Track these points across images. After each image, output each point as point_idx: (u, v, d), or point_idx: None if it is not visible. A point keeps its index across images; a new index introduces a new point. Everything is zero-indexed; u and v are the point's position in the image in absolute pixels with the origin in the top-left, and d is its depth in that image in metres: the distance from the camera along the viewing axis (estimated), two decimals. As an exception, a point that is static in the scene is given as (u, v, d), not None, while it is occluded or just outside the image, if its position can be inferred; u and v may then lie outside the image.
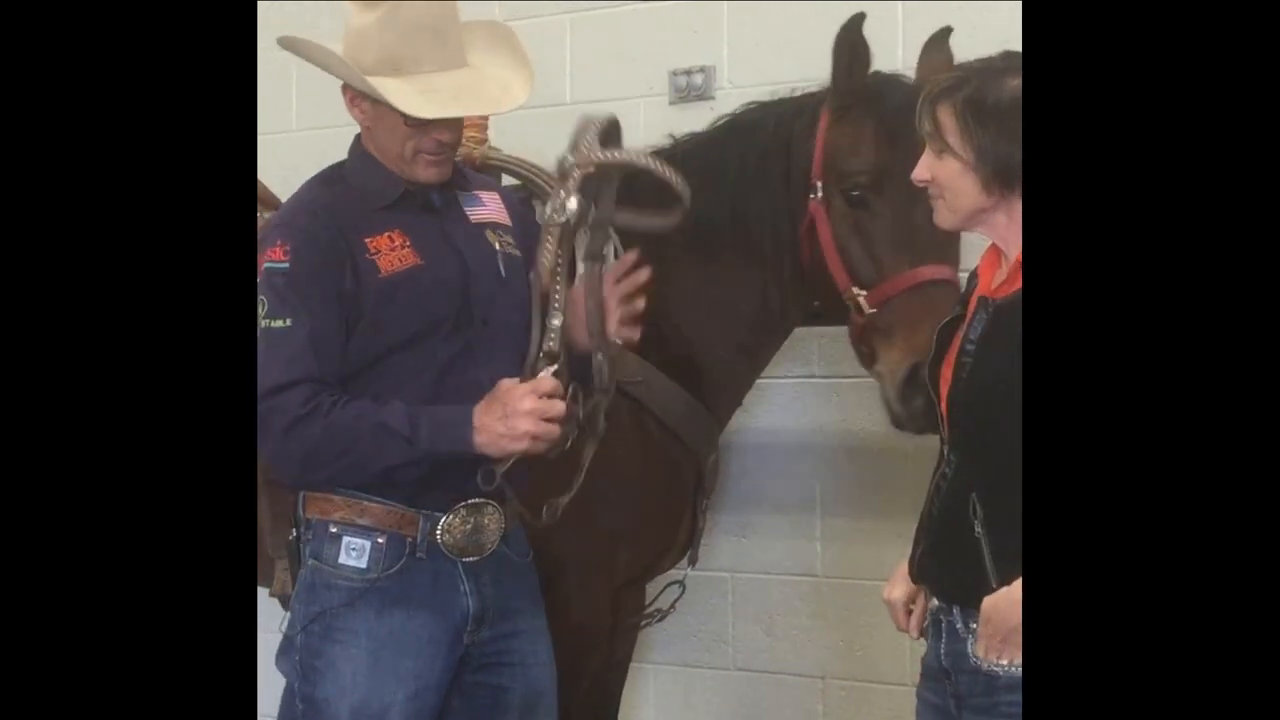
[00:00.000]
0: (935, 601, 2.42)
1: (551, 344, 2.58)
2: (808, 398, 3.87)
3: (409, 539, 2.64)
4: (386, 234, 2.66)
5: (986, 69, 2.38)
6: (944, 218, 2.41)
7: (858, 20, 3.07)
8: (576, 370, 2.61)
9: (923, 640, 2.49)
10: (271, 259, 2.60)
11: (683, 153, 3.23)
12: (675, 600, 3.37)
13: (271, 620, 2.80)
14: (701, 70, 3.96)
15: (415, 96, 2.60)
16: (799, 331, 3.56)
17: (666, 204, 2.63)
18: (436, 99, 2.62)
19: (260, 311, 2.57)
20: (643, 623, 3.42)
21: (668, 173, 2.59)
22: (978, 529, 2.30)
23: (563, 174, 2.53)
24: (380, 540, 2.63)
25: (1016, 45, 2.98)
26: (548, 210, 2.53)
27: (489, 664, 2.71)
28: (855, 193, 3.01)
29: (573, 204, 2.50)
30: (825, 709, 3.90)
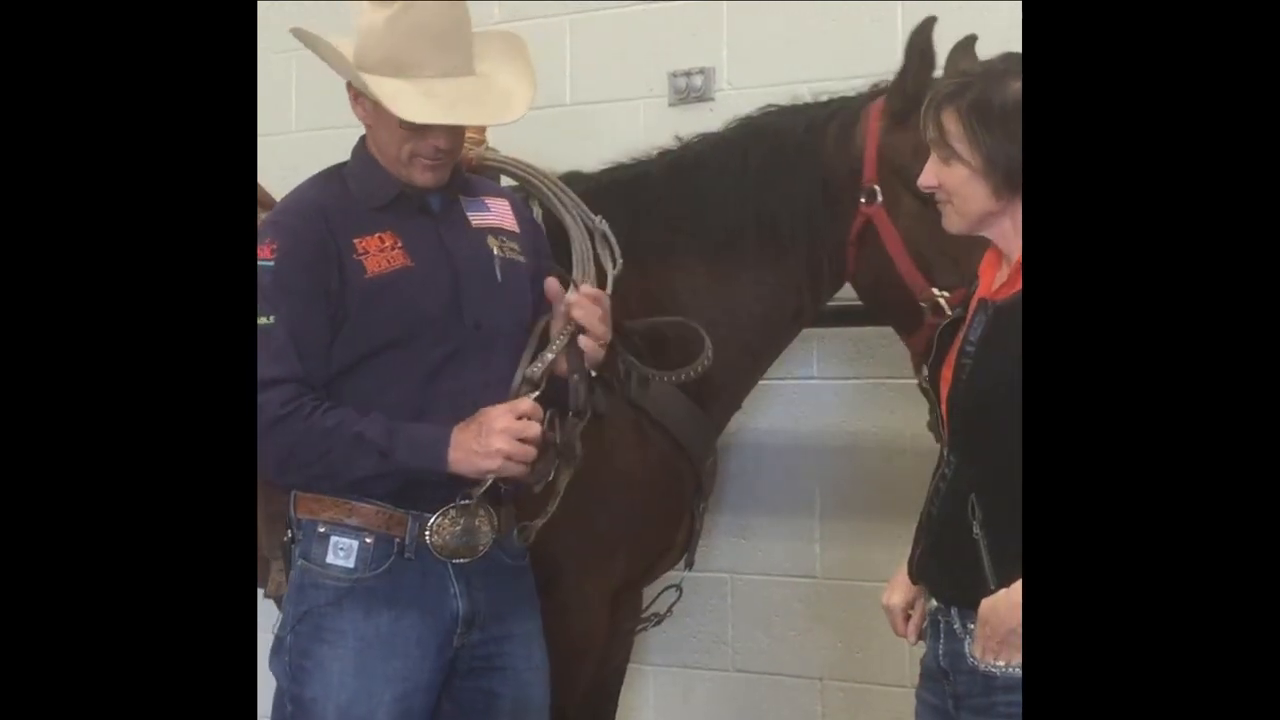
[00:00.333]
0: (933, 602, 2.43)
1: (535, 372, 2.60)
2: (807, 399, 3.88)
3: (397, 539, 2.63)
4: (377, 235, 2.66)
5: (989, 73, 2.38)
6: (953, 222, 2.41)
7: (929, 24, 3.04)
8: (556, 396, 2.63)
9: (921, 644, 2.49)
10: (259, 257, 2.60)
11: (695, 154, 3.23)
12: (672, 604, 3.37)
13: (270, 621, 2.80)
14: (701, 72, 3.96)
15: (413, 99, 2.60)
16: (798, 333, 3.56)
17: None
18: (433, 105, 2.61)
19: None
20: (640, 627, 3.41)
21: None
22: (976, 530, 2.30)
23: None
24: (368, 540, 2.63)
25: (1017, 45, 3.00)
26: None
27: (479, 668, 2.70)
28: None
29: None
30: (824, 710, 3.90)
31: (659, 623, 3.39)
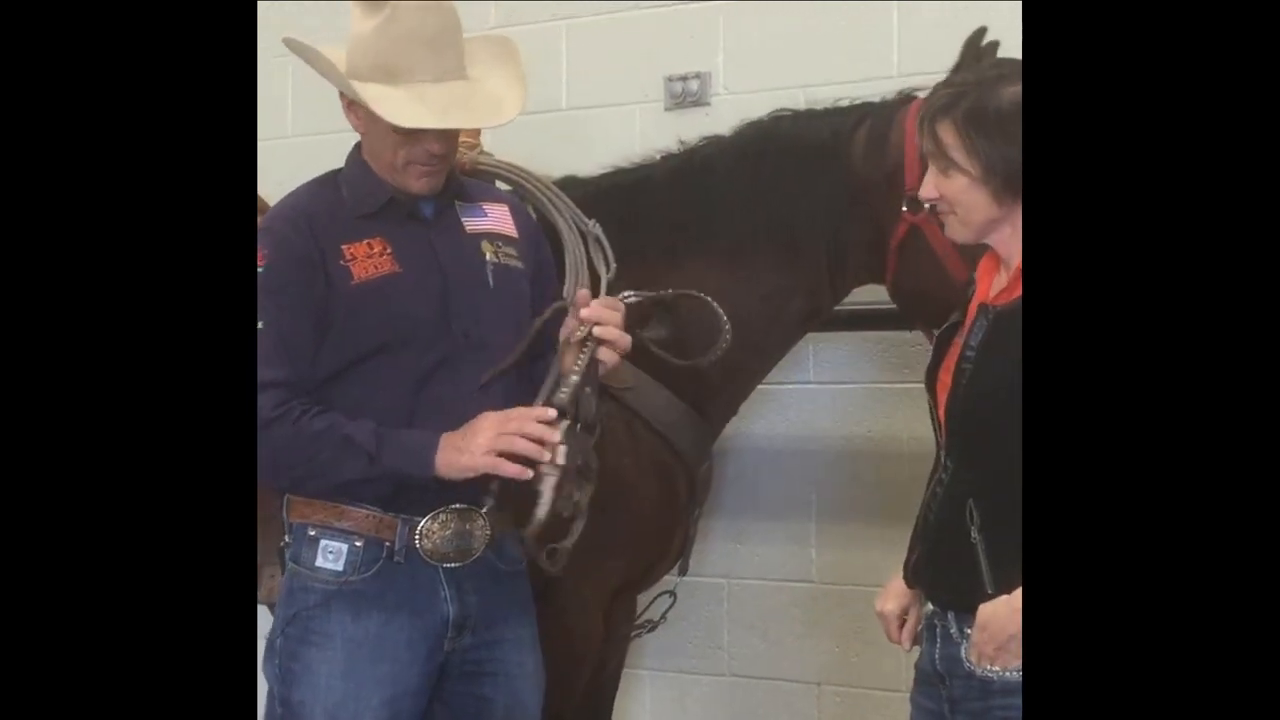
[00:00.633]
0: (930, 606, 2.43)
1: (561, 399, 2.55)
2: (803, 404, 3.88)
3: (386, 543, 2.63)
4: (366, 241, 2.66)
5: (981, 81, 2.39)
6: (956, 232, 2.41)
7: (979, 34, 3.05)
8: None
9: (917, 648, 2.49)
10: None
11: (703, 158, 3.22)
12: (666, 610, 3.36)
13: (267, 626, 2.80)
14: (697, 76, 3.97)
15: (404, 105, 2.60)
16: (800, 339, 3.56)
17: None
18: (424, 110, 2.61)
19: None
20: (634, 633, 3.41)
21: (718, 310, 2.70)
22: (974, 535, 2.30)
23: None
24: (358, 544, 2.63)
25: (1014, 40, 3.00)
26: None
27: (471, 673, 2.69)
28: None
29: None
30: (821, 715, 3.90)
31: (653, 629, 3.39)
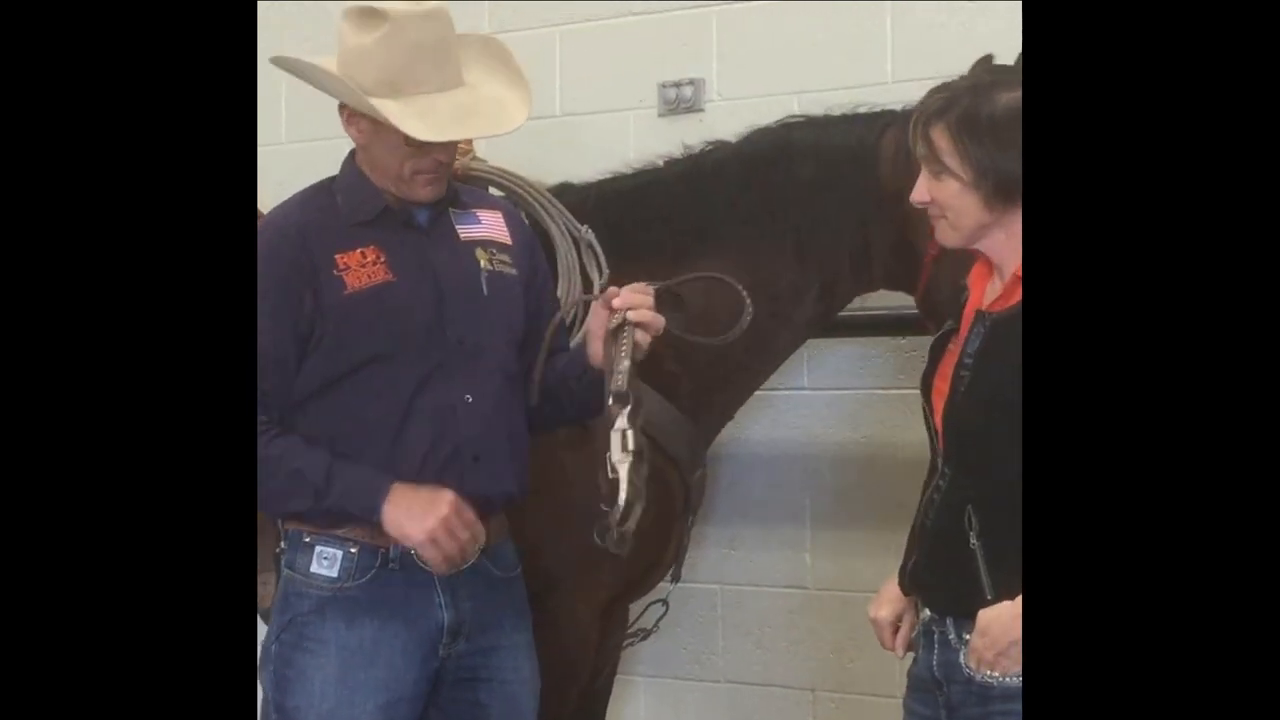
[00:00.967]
0: (927, 612, 2.42)
1: (619, 385, 2.54)
2: (798, 410, 3.88)
3: (382, 550, 2.63)
4: (359, 250, 2.66)
5: (975, 86, 2.39)
6: (947, 236, 2.42)
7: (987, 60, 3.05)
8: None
9: (911, 655, 2.49)
10: None
11: (714, 163, 3.22)
12: (659, 619, 3.36)
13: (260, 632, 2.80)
14: (691, 82, 3.97)
15: (416, 119, 2.59)
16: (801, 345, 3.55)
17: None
18: (437, 121, 2.61)
19: None
20: (626, 642, 3.40)
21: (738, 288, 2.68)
22: (973, 541, 2.30)
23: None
24: (353, 550, 2.63)
25: (1008, 46, 3.00)
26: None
27: (466, 679, 2.69)
28: None
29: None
30: (815, 721, 3.91)
31: (646, 637, 3.38)
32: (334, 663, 2.61)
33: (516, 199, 3.16)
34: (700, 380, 3.15)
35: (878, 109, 3.14)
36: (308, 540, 2.65)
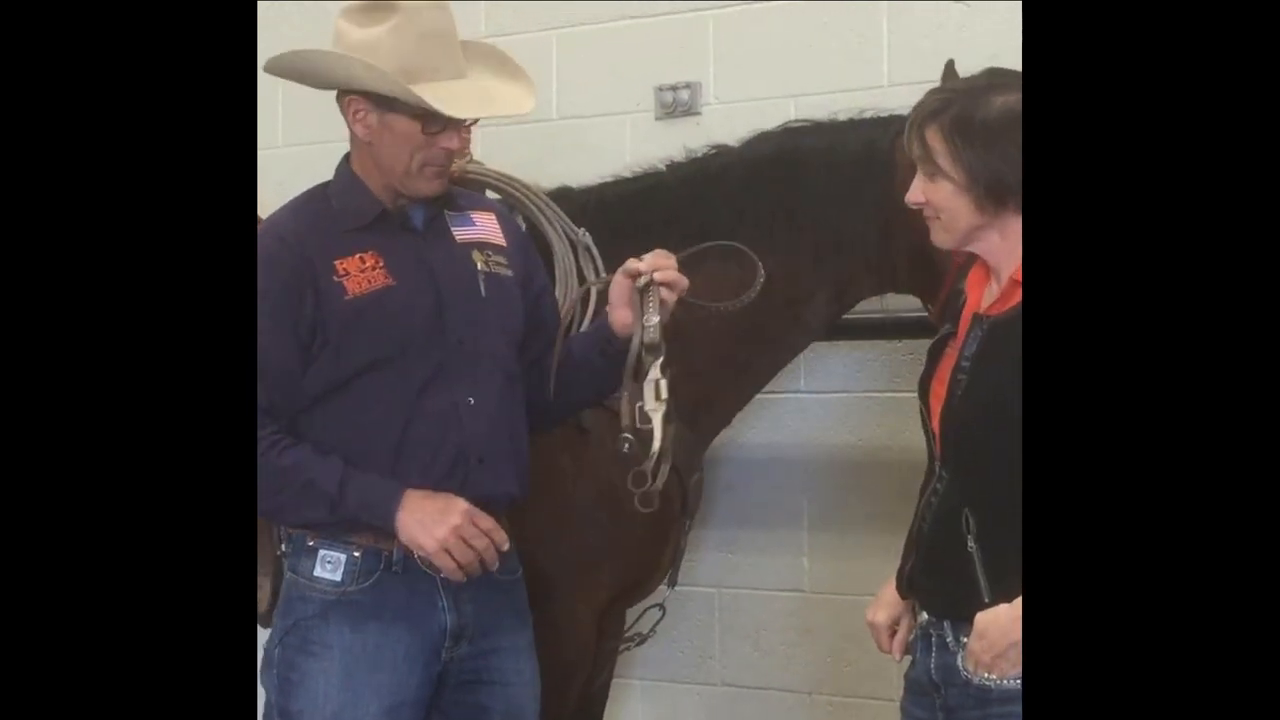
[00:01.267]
0: (924, 615, 2.42)
1: (652, 337, 2.59)
2: (795, 413, 3.88)
3: (385, 553, 2.64)
4: (358, 255, 2.66)
5: (971, 89, 2.40)
6: (941, 238, 2.42)
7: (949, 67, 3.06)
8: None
9: (908, 659, 2.49)
10: None
11: (720, 166, 3.22)
12: (655, 624, 3.35)
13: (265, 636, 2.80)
14: (687, 86, 3.97)
15: (448, 101, 2.60)
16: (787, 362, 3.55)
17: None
18: (463, 103, 2.63)
19: None
20: (623, 646, 3.39)
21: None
22: (970, 544, 2.30)
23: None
24: (356, 554, 2.64)
25: (1004, 48, 3.00)
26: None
27: (468, 681, 2.70)
28: None
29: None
30: (813, 724, 3.90)
31: (642, 642, 3.38)
32: (338, 666, 2.62)
33: (513, 202, 3.16)
34: (702, 384, 3.14)
35: (884, 114, 3.14)
36: (311, 544, 2.65)
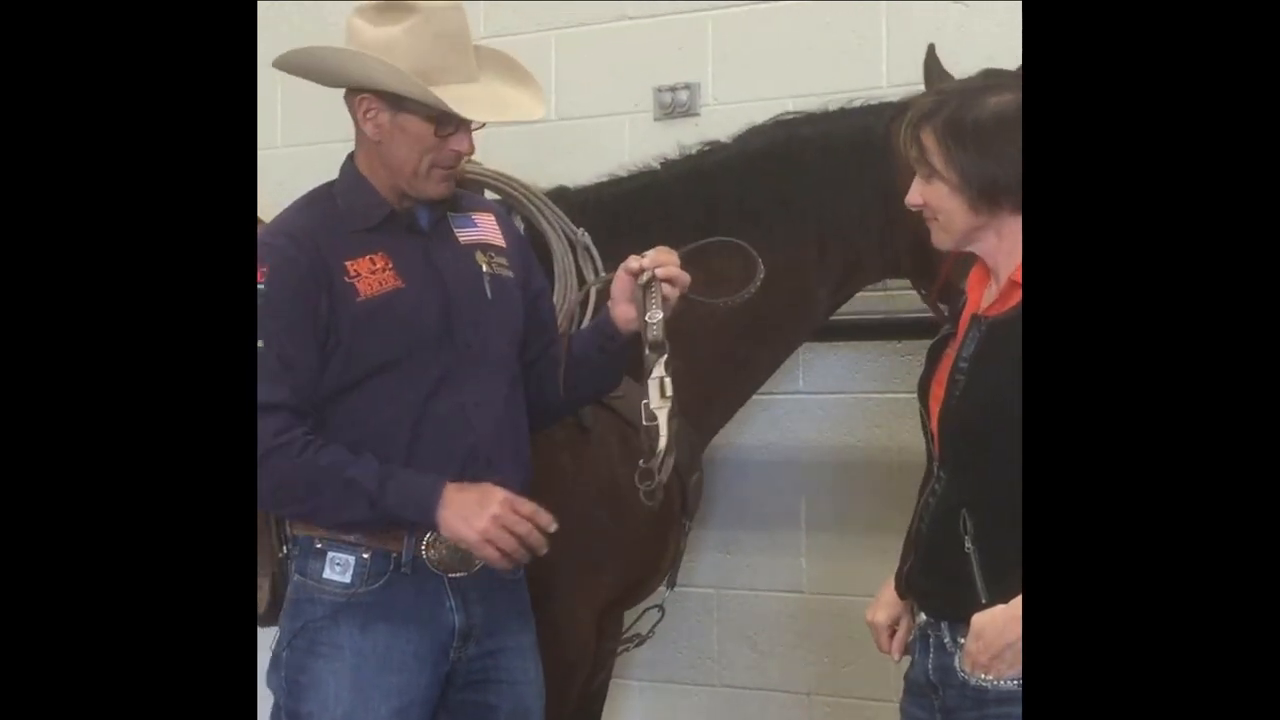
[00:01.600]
0: (923, 616, 2.43)
1: (655, 334, 2.59)
2: (793, 414, 3.88)
3: (394, 554, 2.63)
4: (368, 256, 2.66)
5: (965, 89, 2.40)
6: (940, 239, 2.42)
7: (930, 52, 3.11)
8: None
9: (907, 658, 2.49)
10: None
11: (716, 163, 3.23)
12: (655, 625, 3.35)
13: (265, 637, 2.79)
14: (686, 87, 3.97)
15: (463, 103, 2.60)
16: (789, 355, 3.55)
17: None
18: (478, 106, 2.63)
19: None
20: (621, 647, 3.39)
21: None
22: (968, 545, 2.30)
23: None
24: (365, 555, 2.63)
25: (1004, 48, 3.01)
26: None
27: (476, 681, 2.70)
28: None
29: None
30: (812, 725, 3.90)
31: (640, 643, 3.38)
32: (348, 668, 2.61)
33: (512, 202, 3.16)
34: (705, 381, 3.14)
35: (874, 101, 3.15)
36: (319, 546, 2.65)
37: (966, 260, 2.63)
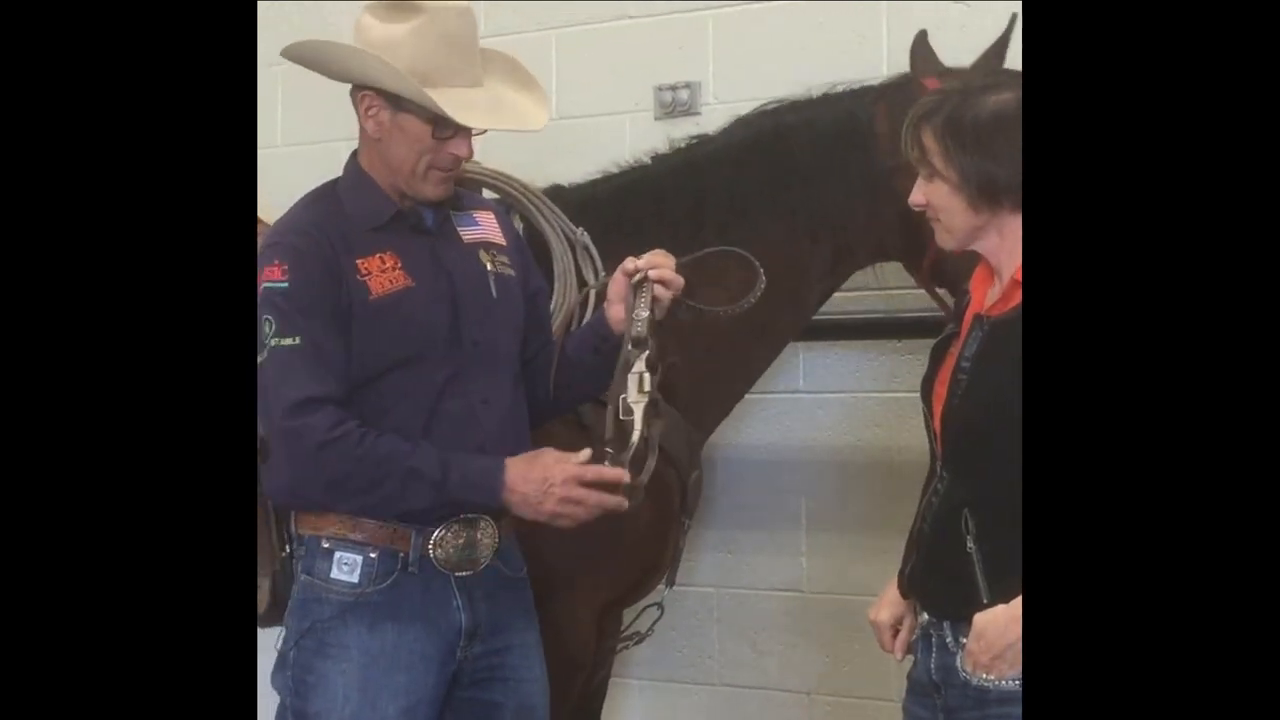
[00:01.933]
0: (925, 616, 2.43)
1: (638, 330, 2.61)
2: (794, 413, 3.88)
3: (401, 554, 2.63)
4: (378, 255, 2.65)
5: (965, 89, 2.41)
6: (943, 239, 2.43)
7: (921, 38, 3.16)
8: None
9: (909, 657, 2.49)
10: (270, 279, 2.58)
11: (706, 154, 3.24)
12: (654, 623, 3.35)
13: (265, 638, 2.79)
14: (687, 86, 3.97)
15: (459, 108, 2.60)
16: (785, 346, 3.55)
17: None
18: (475, 111, 2.62)
19: (268, 331, 2.56)
20: (621, 645, 3.40)
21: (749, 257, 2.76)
22: (970, 545, 2.31)
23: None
24: (372, 555, 2.63)
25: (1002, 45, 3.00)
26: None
27: (481, 679, 2.70)
28: None
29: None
30: (812, 724, 3.91)
31: (640, 641, 3.38)
32: (356, 668, 2.61)
33: (511, 201, 3.16)
34: (704, 377, 3.14)
35: (856, 85, 3.18)
36: (327, 546, 2.64)
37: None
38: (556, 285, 3.07)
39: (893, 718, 2.55)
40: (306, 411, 2.54)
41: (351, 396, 2.61)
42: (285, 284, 2.58)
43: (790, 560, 3.90)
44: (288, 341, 2.56)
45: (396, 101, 2.64)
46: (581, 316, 3.03)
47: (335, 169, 2.78)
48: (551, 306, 3.02)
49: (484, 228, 2.81)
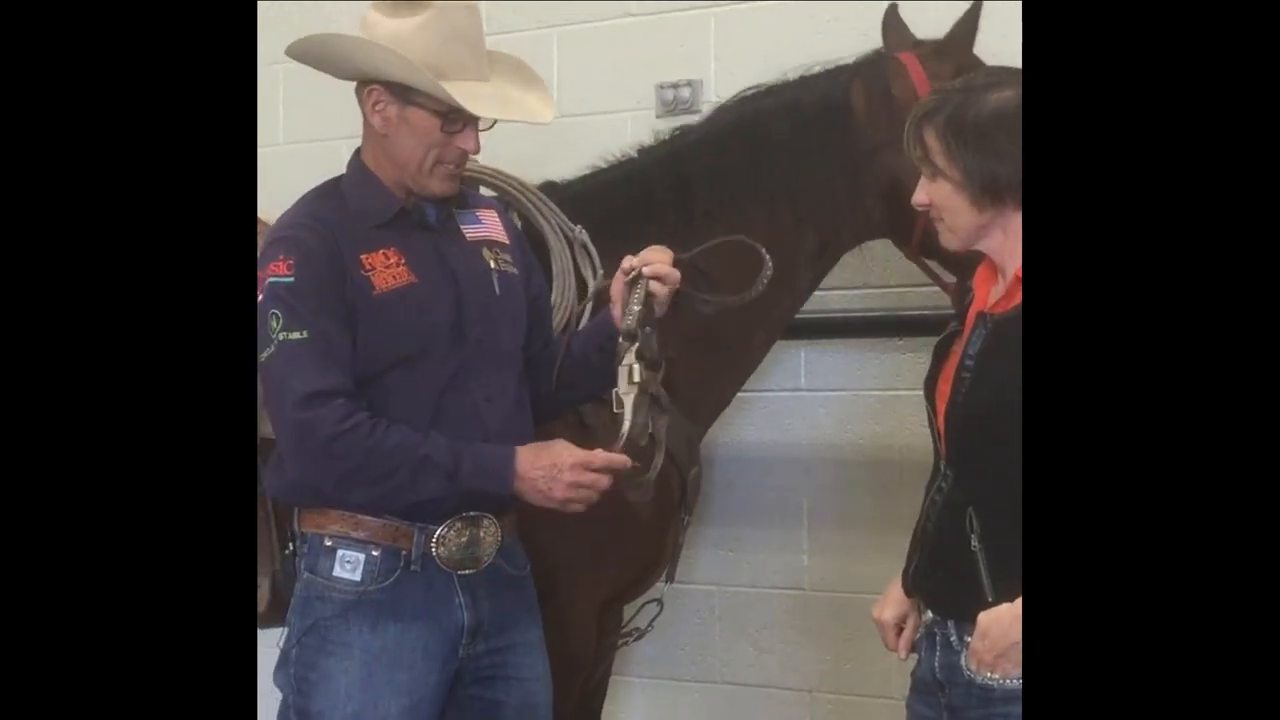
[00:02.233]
0: (929, 614, 2.43)
1: (629, 324, 2.61)
2: (795, 411, 3.88)
3: (403, 551, 2.63)
4: (381, 251, 2.65)
5: (967, 88, 2.41)
6: (947, 239, 2.43)
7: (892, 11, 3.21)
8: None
9: (912, 656, 2.49)
10: (275, 273, 2.58)
11: (692, 144, 3.24)
12: (654, 619, 3.36)
13: (266, 637, 2.79)
14: (688, 84, 3.97)
15: (470, 99, 2.60)
16: (785, 344, 3.56)
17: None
18: (486, 103, 2.63)
19: (275, 325, 2.56)
20: (621, 641, 3.40)
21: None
22: (974, 543, 2.31)
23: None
24: (375, 553, 2.63)
25: (1004, 48, 3.01)
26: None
27: (484, 677, 2.70)
28: None
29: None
30: (813, 722, 3.91)
31: (640, 637, 3.38)
32: (358, 666, 2.61)
33: (509, 199, 3.16)
34: (696, 366, 3.14)
35: (831, 64, 3.20)
36: (329, 544, 2.64)
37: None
38: (555, 283, 3.07)
39: (895, 716, 2.55)
40: (317, 404, 2.54)
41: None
42: (291, 278, 2.57)
43: (792, 558, 3.90)
44: (295, 335, 2.56)
45: (404, 95, 2.64)
46: (581, 315, 3.04)
47: (336, 168, 2.78)
48: (550, 304, 3.02)
49: (487, 225, 2.82)
